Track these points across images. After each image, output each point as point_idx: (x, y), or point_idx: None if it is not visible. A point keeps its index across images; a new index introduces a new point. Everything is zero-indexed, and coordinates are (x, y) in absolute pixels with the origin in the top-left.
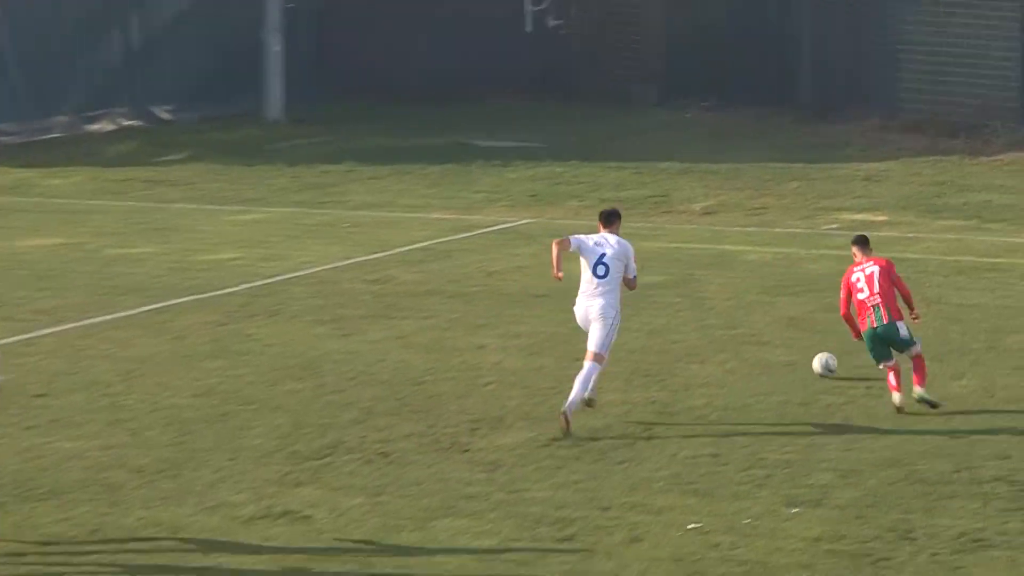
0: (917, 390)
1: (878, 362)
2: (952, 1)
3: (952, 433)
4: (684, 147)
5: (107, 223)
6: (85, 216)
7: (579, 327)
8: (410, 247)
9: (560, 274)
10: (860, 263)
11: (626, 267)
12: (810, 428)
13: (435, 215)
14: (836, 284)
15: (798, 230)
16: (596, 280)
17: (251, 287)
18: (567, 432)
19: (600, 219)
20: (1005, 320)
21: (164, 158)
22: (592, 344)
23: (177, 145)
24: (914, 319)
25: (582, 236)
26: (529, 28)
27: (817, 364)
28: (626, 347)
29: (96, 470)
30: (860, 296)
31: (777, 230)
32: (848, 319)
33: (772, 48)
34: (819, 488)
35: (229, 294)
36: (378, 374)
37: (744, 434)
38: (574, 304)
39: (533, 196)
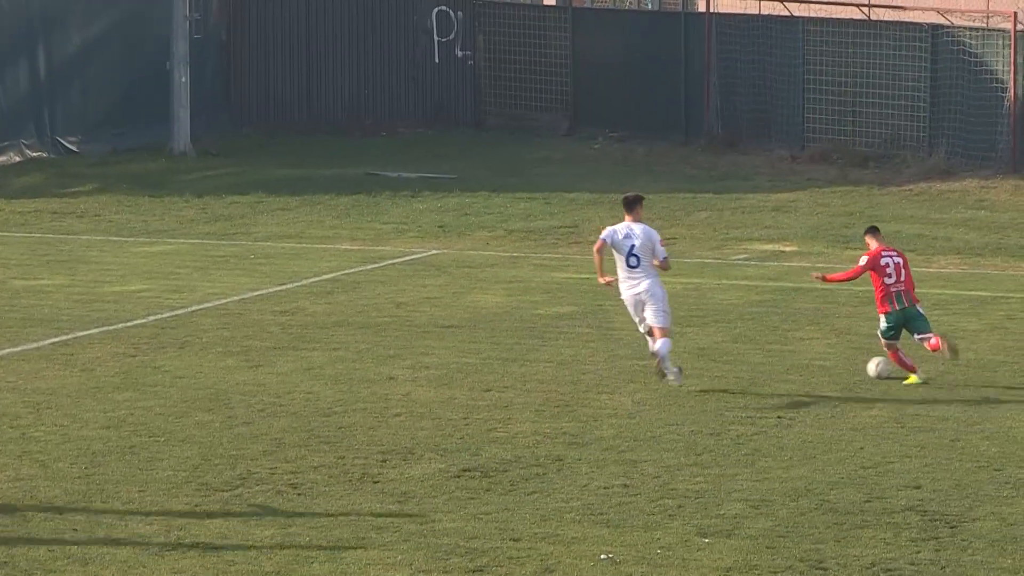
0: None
1: (888, 340)
2: (860, 31)
3: (863, 463)
4: (593, 177)
5: (13, 255)
6: None
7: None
8: (319, 278)
9: (606, 279)
10: (885, 248)
11: (653, 252)
12: (721, 458)
13: (344, 246)
14: (745, 314)
15: (708, 260)
16: (630, 270)
17: (160, 319)
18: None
19: (624, 206)
20: (914, 350)
21: (71, 189)
22: (655, 323)
23: (84, 177)
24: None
25: (611, 230)
26: (437, 59)
27: (872, 368)
28: (536, 378)
29: (5, 501)
30: (888, 280)
31: (686, 260)
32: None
33: (680, 78)
34: (730, 518)
35: (137, 326)
36: (288, 405)
37: (655, 464)
38: (619, 292)
39: (442, 227)
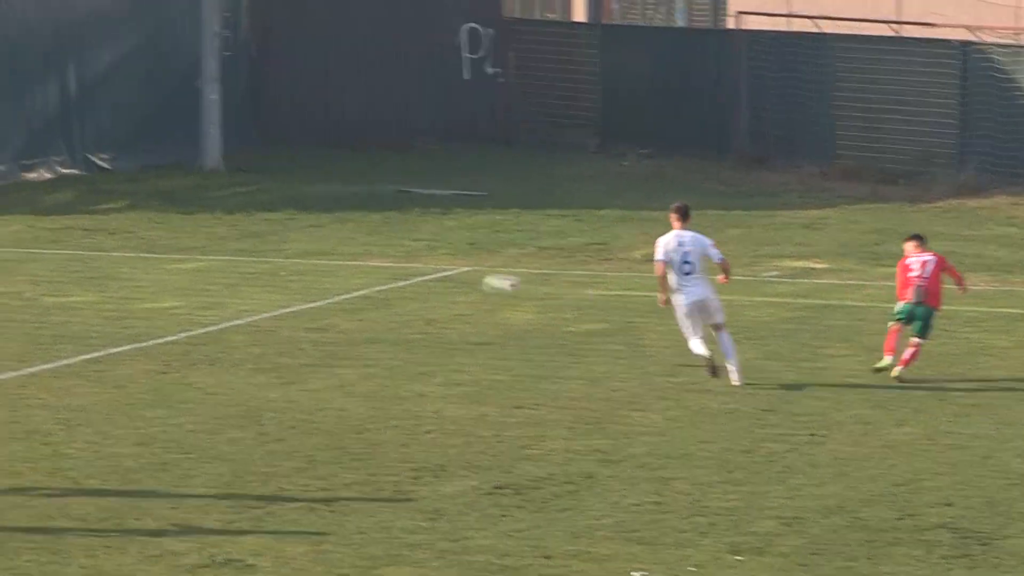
0: (900, 370)
1: (895, 321)
2: (890, 47)
3: (895, 480)
4: (623, 194)
5: (44, 272)
6: (21, 265)
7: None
8: (350, 295)
9: (664, 298)
10: (917, 254)
11: (705, 256)
12: (753, 476)
13: (375, 263)
14: (776, 331)
15: (738, 277)
16: (685, 277)
17: (191, 335)
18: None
19: (678, 214)
20: (947, 367)
21: (102, 206)
22: (716, 320)
23: (115, 193)
24: (962, 290)
25: (663, 244)
26: (467, 76)
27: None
28: (567, 395)
29: (38, 519)
30: (911, 275)
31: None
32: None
33: (710, 95)
34: (762, 536)
35: (169, 343)
36: (319, 423)
37: (687, 482)
38: (675, 297)
39: (472, 244)
